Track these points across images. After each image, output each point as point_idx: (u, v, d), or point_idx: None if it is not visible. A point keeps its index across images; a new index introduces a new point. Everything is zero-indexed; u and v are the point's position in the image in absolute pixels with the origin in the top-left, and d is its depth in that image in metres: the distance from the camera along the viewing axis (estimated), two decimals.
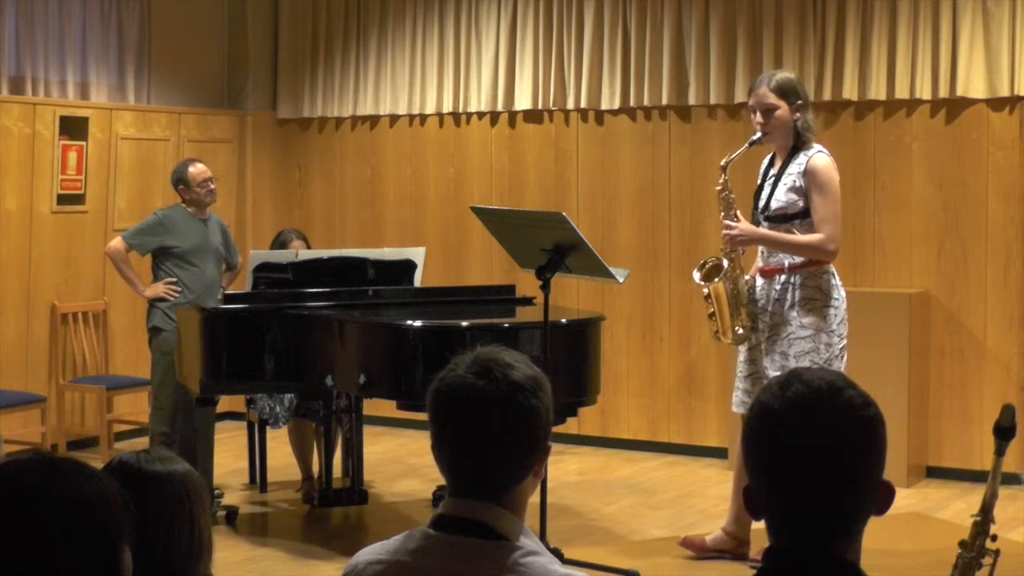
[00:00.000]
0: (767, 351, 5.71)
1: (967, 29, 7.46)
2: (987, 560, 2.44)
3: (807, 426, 1.82)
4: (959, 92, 7.51)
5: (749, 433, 1.89)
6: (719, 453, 8.02)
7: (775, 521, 1.88)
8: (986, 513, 2.46)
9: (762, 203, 5.77)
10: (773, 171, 5.82)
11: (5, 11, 8.12)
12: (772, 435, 1.85)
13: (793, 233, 5.67)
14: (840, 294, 5.72)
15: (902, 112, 7.75)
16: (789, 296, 5.68)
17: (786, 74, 5.86)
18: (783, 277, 5.71)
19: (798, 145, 5.71)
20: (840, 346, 5.68)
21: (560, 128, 8.75)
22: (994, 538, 2.47)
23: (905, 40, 7.65)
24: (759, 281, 5.80)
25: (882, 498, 1.88)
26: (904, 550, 5.98)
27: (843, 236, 7.63)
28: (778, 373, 5.61)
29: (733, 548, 5.91)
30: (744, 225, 5.69)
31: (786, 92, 5.67)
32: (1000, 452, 2.53)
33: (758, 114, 5.70)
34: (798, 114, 5.68)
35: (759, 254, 5.87)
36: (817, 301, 5.65)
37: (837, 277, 5.76)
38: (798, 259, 5.68)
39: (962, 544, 2.44)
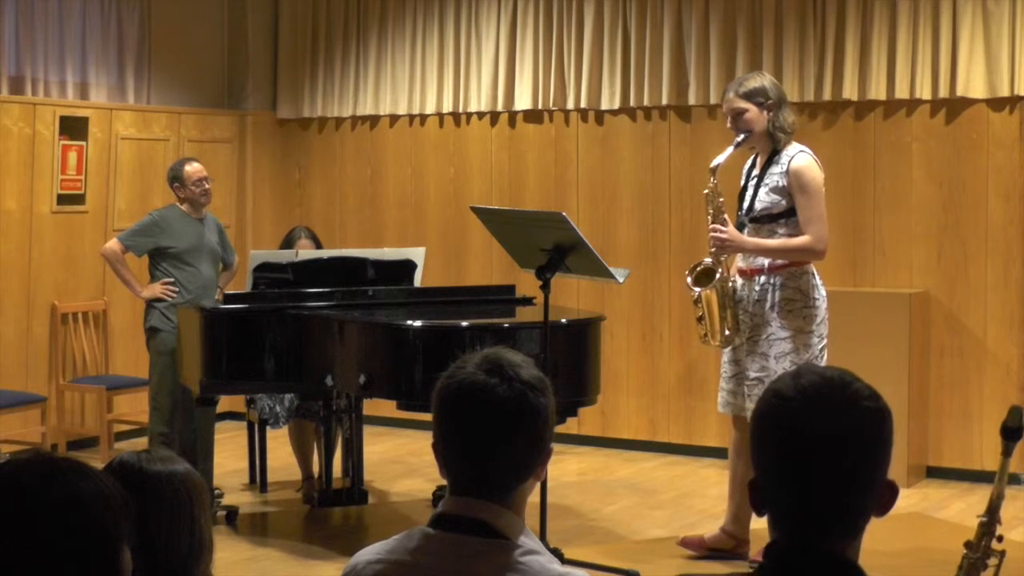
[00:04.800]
0: (748, 352, 5.73)
1: (967, 29, 7.46)
2: (992, 561, 2.44)
3: (819, 413, 1.85)
4: (959, 92, 7.52)
5: (759, 421, 1.90)
6: (719, 453, 8.00)
7: (778, 515, 1.89)
8: (992, 514, 2.47)
9: (746, 204, 5.80)
10: (755, 172, 5.84)
11: (5, 11, 8.12)
12: (783, 422, 1.86)
13: (777, 233, 5.69)
14: (820, 294, 5.73)
15: (902, 112, 7.75)
16: (769, 297, 5.69)
17: (755, 77, 5.88)
18: (763, 278, 5.72)
19: (775, 145, 5.73)
20: (820, 346, 5.70)
21: (560, 128, 8.75)
22: (1000, 539, 2.47)
23: (905, 40, 7.65)
24: (739, 281, 5.82)
25: (886, 497, 1.89)
26: (904, 550, 5.98)
27: (844, 236, 7.69)
28: (760, 374, 5.68)
29: (732, 547, 5.91)
30: (733, 232, 5.71)
31: (752, 94, 5.72)
32: (1007, 453, 2.53)
33: (728, 120, 5.77)
34: (769, 113, 5.70)
35: (740, 254, 5.88)
36: (797, 302, 5.67)
37: (818, 277, 5.77)
38: (778, 260, 5.70)
39: (968, 545, 2.44)
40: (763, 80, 5.82)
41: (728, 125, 5.82)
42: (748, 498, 1.94)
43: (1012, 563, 6.03)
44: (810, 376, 1.89)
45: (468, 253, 9.01)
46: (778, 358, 5.63)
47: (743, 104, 5.72)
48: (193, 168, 7.27)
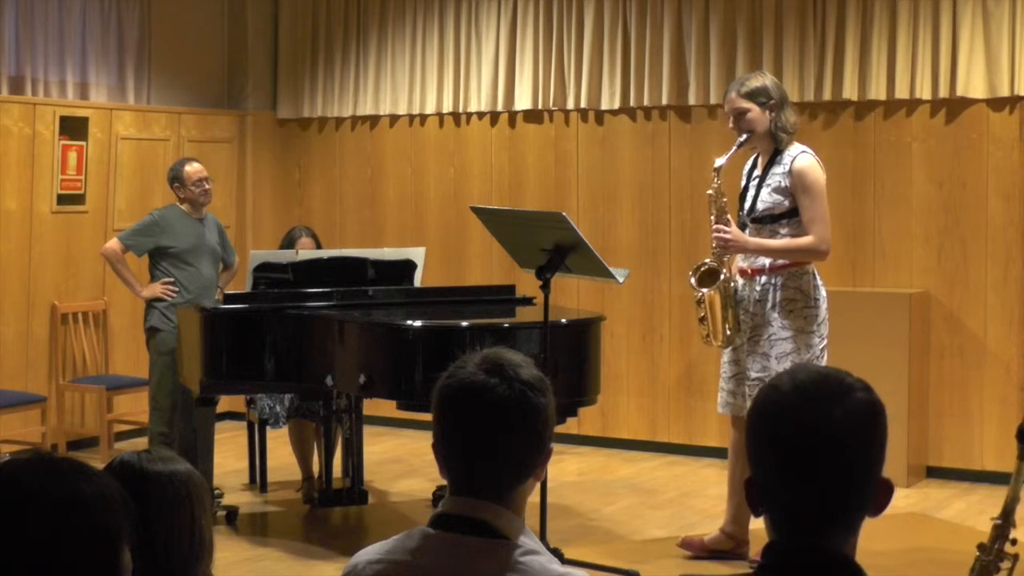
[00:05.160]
0: (749, 352, 5.73)
1: (967, 29, 7.46)
2: (1005, 564, 2.43)
3: (813, 403, 1.86)
4: (959, 92, 7.52)
5: (755, 414, 1.92)
6: (719, 453, 7.99)
7: (774, 513, 1.90)
8: (1007, 516, 2.46)
9: (748, 205, 5.79)
10: (756, 172, 5.84)
11: (5, 11, 8.12)
12: (778, 413, 1.88)
13: (779, 233, 5.69)
14: (821, 294, 5.73)
15: (902, 112, 7.75)
16: (770, 297, 5.69)
17: (758, 77, 5.87)
18: (764, 278, 5.72)
19: (777, 146, 5.73)
20: (821, 347, 5.70)
21: (560, 128, 8.75)
22: (1014, 542, 2.46)
23: (905, 40, 7.65)
24: (740, 281, 5.81)
25: (881, 496, 1.89)
26: (904, 550, 5.98)
27: (844, 236, 7.68)
28: (761, 375, 5.67)
29: (732, 548, 5.91)
30: (737, 232, 5.70)
31: (754, 94, 5.72)
32: (1022, 456, 2.51)
33: (730, 119, 5.76)
34: (772, 114, 5.70)
35: (739, 254, 5.88)
36: (798, 302, 5.67)
37: (818, 277, 5.77)
38: (779, 260, 5.69)
39: (980, 547, 2.43)
40: (765, 80, 5.81)
41: (730, 125, 5.81)
42: (745, 497, 1.95)
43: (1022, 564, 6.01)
44: (806, 371, 1.93)
45: (468, 253, 9.01)
46: (779, 358, 5.63)
47: (745, 104, 5.72)
48: (193, 168, 7.28)
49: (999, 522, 2.46)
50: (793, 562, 1.87)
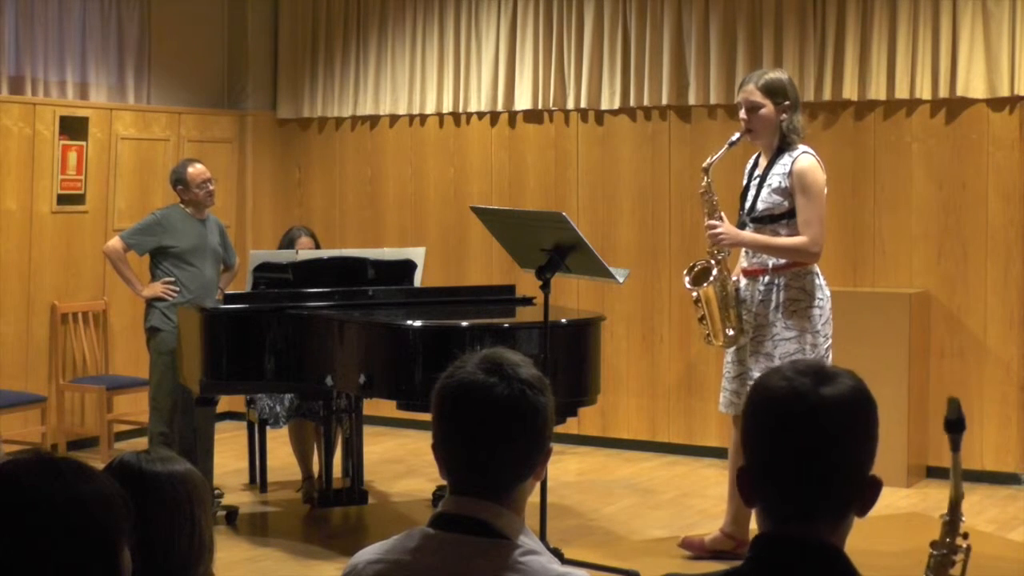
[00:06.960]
0: (752, 352, 5.72)
1: (967, 29, 7.46)
2: (959, 557, 2.46)
3: (806, 385, 1.90)
4: (959, 92, 7.52)
5: (751, 399, 1.95)
6: (719, 453, 8.00)
7: (764, 502, 1.93)
8: (954, 511, 2.50)
9: (748, 204, 5.78)
10: (758, 172, 5.82)
11: (5, 11, 8.12)
12: (772, 394, 1.92)
13: (779, 234, 5.68)
14: (824, 294, 5.72)
15: (902, 112, 7.75)
16: (773, 297, 5.68)
17: (777, 74, 5.85)
18: (767, 278, 5.71)
19: (783, 146, 5.71)
20: (825, 346, 5.69)
21: (560, 128, 8.75)
22: (965, 535, 2.49)
23: (905, 40, 7.65)
24: (743, 281, 5.81)
25: (869, 494, 1.93)
26: (904, 550, 5.98)
27: (844, 236, 7.69)
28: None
29: (732, 548, 5.91)
30: (728, 226, 5.70)
31: (773, 91, 5.68)
32: (955, 447, 2.55)
33: (743, 110, 5.73)
34: (784, 115, 5.68)
35: (743, 254, 5.87)
36: (801, 302, 5.65)
37: (821, 277, 5.76)
38: (782, 260, 5.68)
39: (933, 544, 2.45)
40: (783, 77, 5.79)
41: (741, 115, 5.77)
42: (737, 487, 1.97)
43: (1013, 564, 6.00)
44: (804, 362, 1.99)
45: (468, 253, 9.01)
46: (783, 358, 5.61)
47: (761, 98, 5.67)
48: (196, 170, 7.28)
49: (948, 518, 2.49)
50: (780, 552, 1.90)
